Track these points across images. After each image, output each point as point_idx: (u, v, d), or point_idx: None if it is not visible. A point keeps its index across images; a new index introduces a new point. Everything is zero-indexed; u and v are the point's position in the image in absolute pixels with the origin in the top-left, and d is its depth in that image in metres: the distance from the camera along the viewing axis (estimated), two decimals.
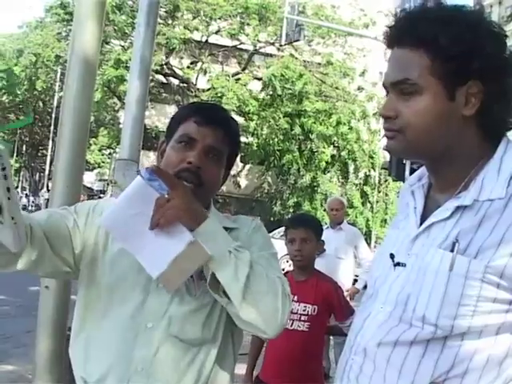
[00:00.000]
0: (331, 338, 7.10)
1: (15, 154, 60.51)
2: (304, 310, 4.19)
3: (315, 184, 35.08)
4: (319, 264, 7.70)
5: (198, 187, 2.10)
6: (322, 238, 4.50)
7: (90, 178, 49.82)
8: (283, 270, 2.67)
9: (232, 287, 1.92)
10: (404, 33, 1.67)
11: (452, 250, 1.55)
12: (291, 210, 34.36)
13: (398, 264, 1.70)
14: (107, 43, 32.63)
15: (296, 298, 4.14)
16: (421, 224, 1.70)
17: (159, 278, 1.92)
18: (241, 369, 2.37)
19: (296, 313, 4.14)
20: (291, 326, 4.07)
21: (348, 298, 7.78)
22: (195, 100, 32.67)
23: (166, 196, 1.88)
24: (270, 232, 18.10)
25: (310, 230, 4.40)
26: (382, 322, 1.67)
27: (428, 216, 1.69)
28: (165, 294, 2.06)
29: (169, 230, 1.89)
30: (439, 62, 1.60)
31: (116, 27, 32.52)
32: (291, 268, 4.63)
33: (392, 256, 1.73)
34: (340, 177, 36.75)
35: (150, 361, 2.04)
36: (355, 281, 8.41)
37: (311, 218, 5.03)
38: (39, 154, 60.51)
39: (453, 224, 1.60)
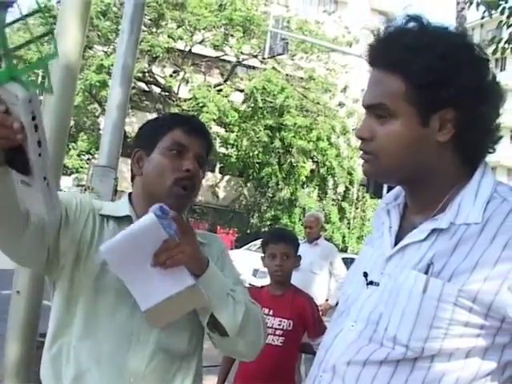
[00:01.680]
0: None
1: None
2: (279, 325, 4.16)
3: (294, 198, 35.15)
4: (294, 278, 7.67)
5: (191, 192, 2.19)
6: (298, 252, 4.50)
7: (67, 183, 49.42)
8: None
9: (230, 326, 2.05)
10: (380, 55, 1.66)
11: (426, 272, 1.55)
12: (268, 223, 34.44)
13: (371, 283, 1.69)
14: (90, 48, 32.51)
15: (272, 312, 4.13)
16: (395, 244, 1.69)
17: (147, 311, 1.92)
18: (206, 380, 2.42)
19: (271, 327, 4.12)
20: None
21: (320, 314, 7.78)
22: (176, 109, 32.62)
23: (177, 239, 1.90)
24: (246, 244, 18.12)
25: (290, 245, 4.39)
26: (352, 340, 1.65)
27: (403, 236, 1.68)
28: None
29: (171, 269, 1.90)
30: (412, 89, 1.59)
31: (100, 33, 32.41)
32: (264, 282, 4.59)
33: (365, 274, 1.72)
34: (319, 192, 36.82)
35: (142, 373, 2.06)
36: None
37: (290, 233, 5.03)
38: None
39: (428, 246, 1.60)
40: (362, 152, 1.71)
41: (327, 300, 8.05)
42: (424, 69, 1.57)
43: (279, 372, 4.14)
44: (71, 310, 2.12)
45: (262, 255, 4.46)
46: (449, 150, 1.63)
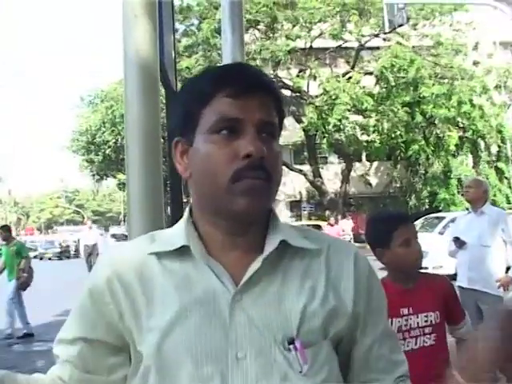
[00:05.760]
0: None
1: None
2: (426, 321, 3.38)
3: (447, 169, 34.27)
4: (463, 257, 6.90)
5: (268, 183, 1.46)
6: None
7: None
8: None
9: None
10: None
11: None
12: (427, 201, 33.81)
13: None
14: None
15: (412, 309, 3.33)
16: None
17: None
18: None
19: (416, 327, 3.37)
20: (415, 344, 3.34)
21: (501, 289, 6.92)
22: (310, 108, 32.31)
23: None
24: None
25: None
26: None
27: None
28: (250, 369, 1.41)
29: None
30: None
31: (219, 51, 32.65)
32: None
33: None
34: (471, 157, 35.71)
35: None
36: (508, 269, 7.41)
37: None
38: None
39: None
40: None
41: (507, 272, 7.11)
42: None
43: (444, 368, 3.46)
44: None
45: (379, 249, 3.44)
46: None
